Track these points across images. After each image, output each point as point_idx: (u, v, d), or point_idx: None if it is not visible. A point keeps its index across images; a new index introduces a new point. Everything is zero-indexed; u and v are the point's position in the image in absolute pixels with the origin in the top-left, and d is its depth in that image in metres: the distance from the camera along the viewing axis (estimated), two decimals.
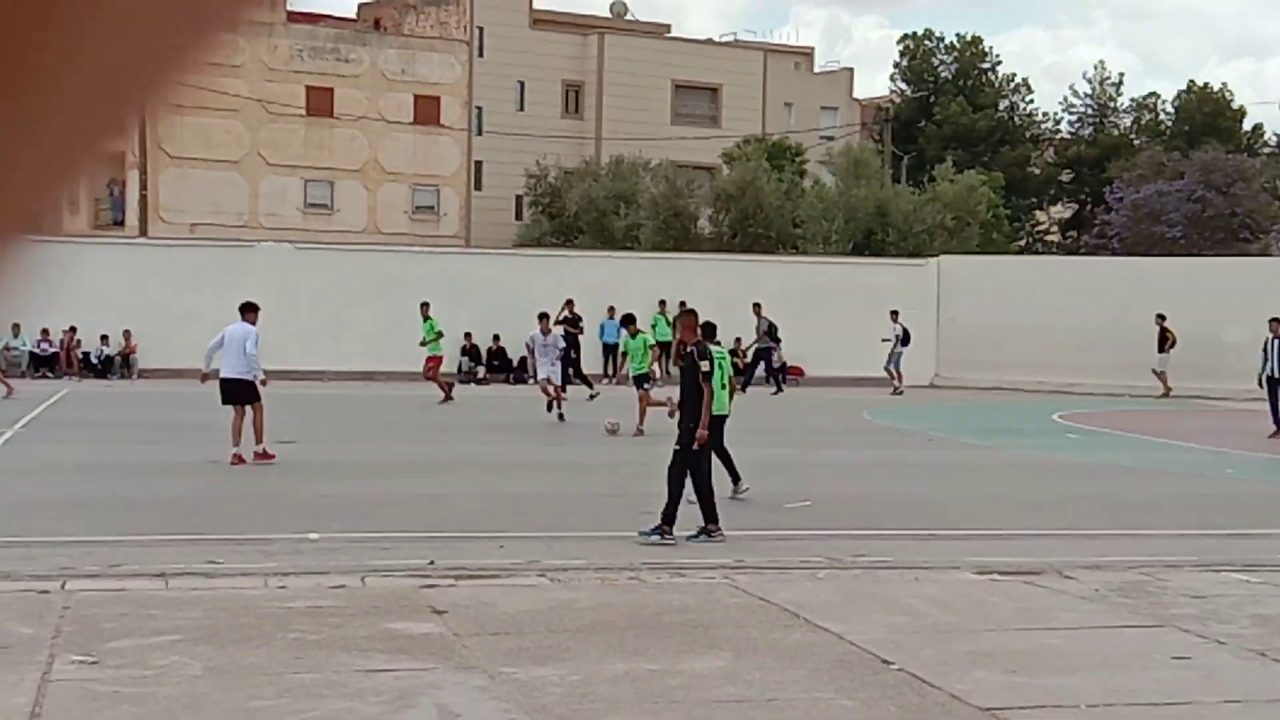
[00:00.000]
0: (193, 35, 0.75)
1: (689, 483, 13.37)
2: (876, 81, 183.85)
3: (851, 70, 75.41)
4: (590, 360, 38.08)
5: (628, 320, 24.99)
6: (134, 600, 10.06)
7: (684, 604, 10.44)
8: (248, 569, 11.37)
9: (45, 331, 36.38)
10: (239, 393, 18.37)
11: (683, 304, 39.29)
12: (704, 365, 13.66)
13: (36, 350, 36.47)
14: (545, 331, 26.23)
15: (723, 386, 14.21)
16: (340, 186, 58.15)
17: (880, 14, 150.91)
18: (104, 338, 36.72)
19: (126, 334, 36.54)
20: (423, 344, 30.77)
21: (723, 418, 14.27)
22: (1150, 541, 13.95)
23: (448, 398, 29.91)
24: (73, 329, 36.53)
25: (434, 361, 30.78)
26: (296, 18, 60.14)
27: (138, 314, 36.07)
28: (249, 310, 18.83)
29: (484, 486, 17.04)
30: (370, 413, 27.88)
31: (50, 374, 35.91)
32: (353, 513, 14.66)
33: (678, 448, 13.44)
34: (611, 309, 38.16)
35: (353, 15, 68.15)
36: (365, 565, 11.60)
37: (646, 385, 23.78)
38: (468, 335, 38.50)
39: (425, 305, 31.15)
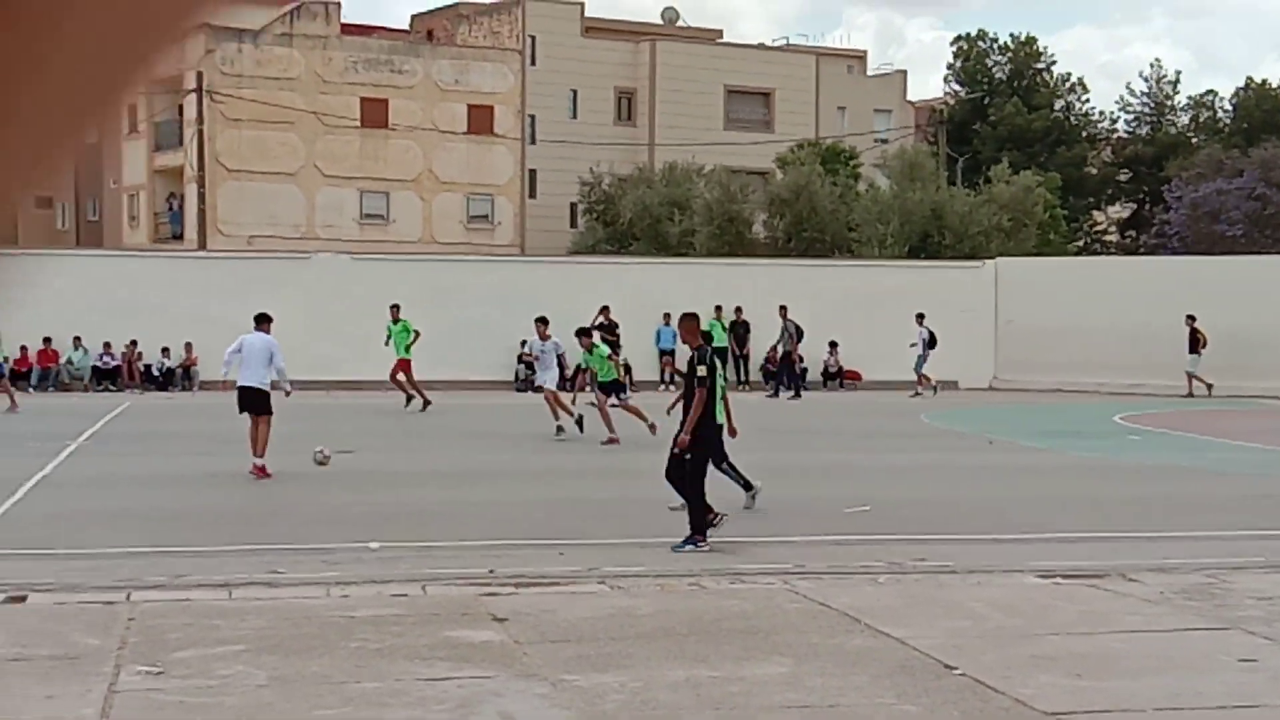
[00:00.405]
0: (147, 47, 0.75)
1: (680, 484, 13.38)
2: (930, 83, 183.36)
3: (905, 72, 75.06)
4: (645, 366, 38.15)
5: (583, 333, 24.50)
6: (198, 610, 10.15)
7: (744, 610, 10.43)
8: (310, 578, 11.45)
9: (107, 345, 36.76)
10: (256, 402, 18.39)
11: (740, 310, 39.42)
12: (700, 370, 13.56)
13: (99, 363, 36.86)
14: (544, 338, 25.38)
15: (721, 395, 14.04)
16: (396, 197, 58.45)
17: (933, 15, 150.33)
18: (165, 350, 37.06)
19: (188, 346, 36.85)
20: (387, 344, 30.45)
21: (719, 426, 14.12)
22: (1215, 543, 13.81)
23: (415, 400, 29.67)
24: (134, 342, 36.88)
25: (403, 365, 30.30)
26: (350, 30, 60.51)
27: (198, 326, 36.35)
28: (265, 321, 18.93)
29: (541, 494, 17.08)
30: (427, 422, 27.99)
31: (112, 387, 36.28)
32: (412, 521, 14.73)
33: (686, 455, 13.37)
34: (667, 315, 38.14)
35: (405, 26, 68.54)
36: (426, 574, 11.64)
37: (624, 395, 23.81)
38: (524, 343, 38.55)
39: (395, 307, 30.85)
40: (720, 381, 13.99)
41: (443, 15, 65.78)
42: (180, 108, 55.81)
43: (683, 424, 13.50)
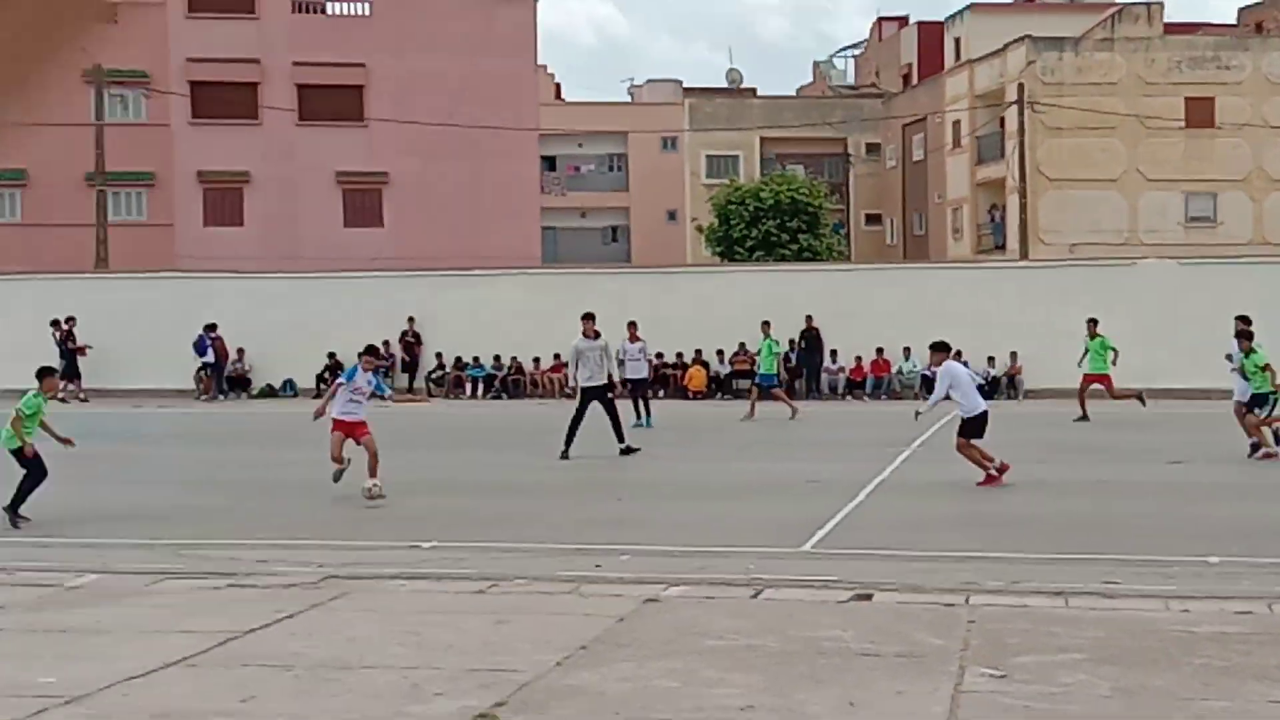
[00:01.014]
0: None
1: None
2: None
3: None
4: None
5: (1243, 335, 21.73)
6: (1035, 617, 10.23)
7: None
8: (1146, 590, 11.21)
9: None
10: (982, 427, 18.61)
11: None
12: None
13: (927, 373, 38.08)
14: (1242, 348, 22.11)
15: None
16: (1223, 198, 56.10)
17: None
18: (990, 360, 37.53)
19: (1013, 355, 37.29)
20: (1081, 363, 29.95)
21: None
22: None
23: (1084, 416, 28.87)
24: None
25: (1101, 379, 29.54)
26: (1173, 29, 58.91)
27: (1020, 334, 36.83)
28: (945, 349, 19.20)
29: None
30: None
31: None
32: (1250, 535, 14.08)
33: None
34: None
35: (1232, 20, 65.68)
36: (1271, 591, 11.08)
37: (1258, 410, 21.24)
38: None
39: (1093, 322, 30.11)
40: None
41: (1273, 6, 62.43)
42: (1001, 120, 56.65)
43: None
